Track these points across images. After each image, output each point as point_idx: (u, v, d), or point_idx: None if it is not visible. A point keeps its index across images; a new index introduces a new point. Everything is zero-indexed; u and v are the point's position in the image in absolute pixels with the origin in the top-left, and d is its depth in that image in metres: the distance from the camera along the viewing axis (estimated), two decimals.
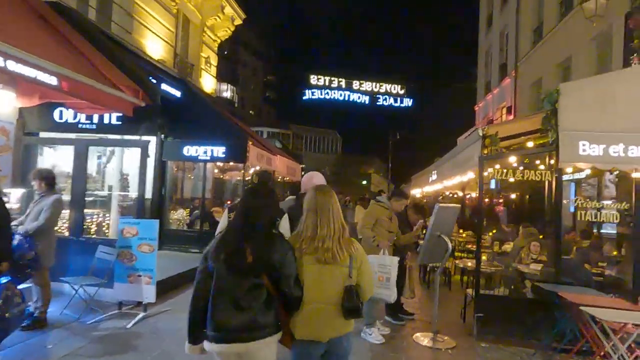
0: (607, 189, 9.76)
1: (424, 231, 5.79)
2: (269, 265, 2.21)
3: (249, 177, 11.95)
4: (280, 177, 15.59)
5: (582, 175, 8.67)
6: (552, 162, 5.81)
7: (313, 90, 20.63)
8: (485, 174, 5.33)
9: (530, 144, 5.71)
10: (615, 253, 7.06)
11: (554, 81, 12.57)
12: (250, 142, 10.41)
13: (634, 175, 4.86)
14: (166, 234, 10.38)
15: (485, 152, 5.37)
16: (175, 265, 7.80)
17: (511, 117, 16.18)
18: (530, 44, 14.66)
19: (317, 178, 3.80)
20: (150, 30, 10.16)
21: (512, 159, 5.48)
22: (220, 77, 57.97)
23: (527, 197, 12.87)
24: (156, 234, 5.51)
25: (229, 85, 59.01)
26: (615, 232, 8.29)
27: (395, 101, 21.15)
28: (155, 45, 10.27)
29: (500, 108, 18.04)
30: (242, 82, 63.85)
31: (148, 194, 10.10)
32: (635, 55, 8.23)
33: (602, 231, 8.74)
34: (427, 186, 11.02)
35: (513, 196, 13.91)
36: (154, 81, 8.33)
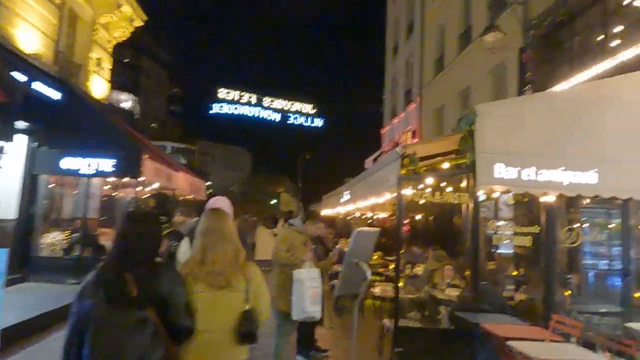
0: (501, 211, 10.35)
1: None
2: (155, 297, 2.03)
3: (146, 196, 10.64)
4: (182, 196, 14.29)
5: (482, 198, 9.06)
6: (464, 185, 5.81)
7: (221, 104, 19.65)
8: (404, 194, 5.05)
9: (446, 165, 5.60)
10: (515, 273, 7.30)
11: (455, 108, 13.34)
12: (146, 156, 9.21)
13: (542, 199, 4.93)
14: (34, 262, 8.66)
15: (404, 172, 5.11)
16: (42, 302, 6.37)
17: (416, 140, 16.89)
18: (433, 73, 15.52)
19: (220, 202, 3.49)
20: (24, 19, 8.57)
21: (430, 180, 5.29)
22: (120, 86, 53.65)
23: (432, 218, 13.31)
24: (2, 267, 4.24)
25: (130, 94, 54.93)
26: (511, 251, 8.71)
27: (306, 120, 21.07)
28: (29, 37, 8.67)
29: (406, 132, 18.82)
30: (145, 92, 59.78)
31: (9, 214, 8.36)
32: (528, 86, 8.88)
33: (499, 251, 9.15)
34: (340, 206, 10.73)
35: (419, 217, 14.32)
36: (21, 76, 6.87)
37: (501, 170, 4.67)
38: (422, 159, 5.26)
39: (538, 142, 4.79)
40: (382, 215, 14.62)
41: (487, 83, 11.34)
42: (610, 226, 5.76)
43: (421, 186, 5.00)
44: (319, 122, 21.25)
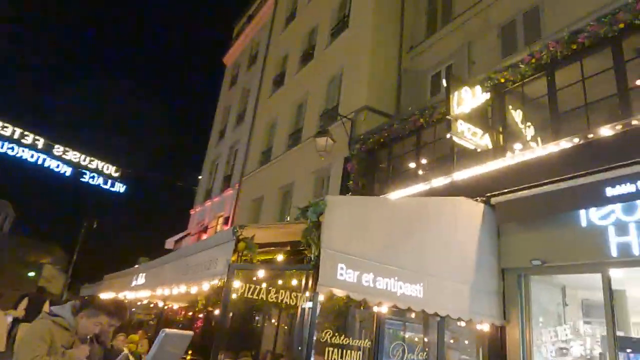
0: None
1: None
2: None
3: None
4: None
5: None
6: (295, 283, 5.13)
7: None
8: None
9: (280, 258, 4.86)
10: None
11: (275, 201, 13.26)
12: None
13: (376, 309, 4.60)
14: None
15: (234, 258, 4.14)
16: None
17: (227, 227, 16.02)
18: (258, 163, 15.52)
19: None
20: None
21: (261, 273, 4.42)
22: None
23: (231, 315, 12.03)
24: None
25: None
26: None
27: (105, 182, 17.97)
28: None
29: (218, 217, 17.83)
30: None
31: None
32: (349, 194, 9.33)
33: None
34: (128, 291, 8.61)
35: (216, 312, 12.83)
36: None
37: (343, 272, 4.21)
38: (258, 245, 4.44)
39: (378, 246, 4.57)
40: (176, 305, 12.61)
41: (310, 182, 11.69)
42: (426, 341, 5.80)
43: (255, 278, 4.08)
44: (120, 187, 18.38)
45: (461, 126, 6.48)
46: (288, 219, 11.64)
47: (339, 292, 4.11)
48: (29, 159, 16.03)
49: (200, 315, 12.87)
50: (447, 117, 6.51)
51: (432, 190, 7.22)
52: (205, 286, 4.52)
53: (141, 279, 7.45)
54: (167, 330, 3.17)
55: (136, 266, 14.79)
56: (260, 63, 18.17)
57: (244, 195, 15.75)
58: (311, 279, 4.06)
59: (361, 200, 5.24)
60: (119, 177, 18.60)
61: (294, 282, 4.89)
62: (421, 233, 5.13)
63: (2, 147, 15.41)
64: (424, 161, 8.21)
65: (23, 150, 15.90)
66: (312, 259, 4.06)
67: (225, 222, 16.09)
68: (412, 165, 8.39)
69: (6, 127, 15.61)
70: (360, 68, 11.35)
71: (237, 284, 4.04)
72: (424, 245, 5.08)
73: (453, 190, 6.58)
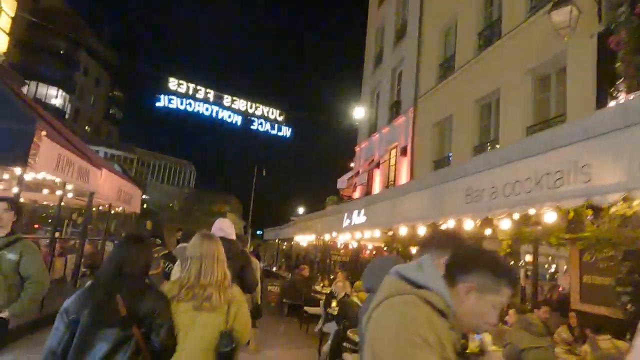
0: None
1: None
2: (140, 316, 2.15)
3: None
4: (103, 205, 10.46)
5: None
6: None
7: (171, 97, 15.91)
8: None
9: None
10: None
11: (470, 119, 10.88)
12: (43, 133, 5.61)
13: None
14: None
15: None
16: None
17: (405, 158, 14.33)
18: (435, 80, 13.12)
19: (225, 225, 4.00)
20: None
21: None
22: (49, 79, 47.27)
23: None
24: None
25: (61, 90, 48.69)
26: None
27: (272, 127, 17.79)
28: None
29: (390, 149, 16.25)
30: (81, 91, 53.49)
31: None
32: (618, 82, 6.46)
33: None
34: (337, 232, 7.57)
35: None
36: None
37: None
38: None
39: None
40: (370, 245, 11.64)
41: (526, 84, 8.95)
42: None
43: None
44: (287, 131, 18.07)
45: None
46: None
47: None
48: (204, 113, 16.57)
49: None
50: None
51: None
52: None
53: (360, 217, 6.16)
54: None
55: (328, 208, 14.29)
56: None
57: (421, 119, 13.68)
58: None
59: None
60: (283, 121, 18.27)
61: None
62: None
63: (181, 104, 16.14)
64: None
65: (198, 105, 16.46)
66: None
67: (403, 152, 14.37)
68: None
69: (181, 84, 16.22)
70: None
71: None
72: None
73: None
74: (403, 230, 4.94)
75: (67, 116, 49.61)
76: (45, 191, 9.23)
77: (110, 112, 62.27)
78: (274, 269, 17.64)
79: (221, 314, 2.31)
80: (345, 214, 6.88)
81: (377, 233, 5.88)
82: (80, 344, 2.03)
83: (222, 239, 2.86)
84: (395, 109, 16.38)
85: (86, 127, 55.48)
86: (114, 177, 9.80)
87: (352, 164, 23.69)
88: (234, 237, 4.02)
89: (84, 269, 9.33)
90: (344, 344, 5.37)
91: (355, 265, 10.88)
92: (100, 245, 11.21)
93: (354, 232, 6.51)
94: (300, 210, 42.07)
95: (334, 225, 7.45)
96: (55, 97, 47.50)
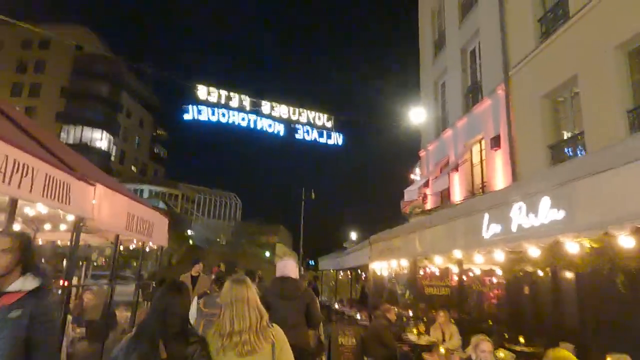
0: None
1: None
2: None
3: None
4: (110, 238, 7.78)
5: None
6: None
7: (200, 107, 13.51)
8: None
9: None
10: None
11: (614, 73, 7.43)
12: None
13: None
14: None
15: None
16: None
17: (499, 150, 10.91)
18: (535, 41, 9.80)
19: (289, 265, 4.23)
20: None
21: None
22: (92, 122, 47.50)
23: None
24: None
25: (105, 132, 48.91)
26: None
27: (320, 135, 14.91)
28: None
29: (470, 144, 12.86)
30: (125, 132, 53.91)
31: None
32: None
33: None
34: (470, 248, 4.33)
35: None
36: None
37: None
38: None
39: None
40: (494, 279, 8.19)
41: None
42: None
43: None
44: (337, 138, 15.10)
45: None
46: None
47: None
48: (241, 123, 14.00)
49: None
50: None
51: None
52: None
53: (543, 211, 2.95)
54: None
55: (412, 220, 11.05)
56: None
57: (520, 95, 10.30)
58: None
59: None
60: (332, 126, 15.37)
61: None
62: None
63: (213, 114, 13.68)
64: None
65: (233, 114, 13.93)
66: None
67: (495, 143, 10.95)
68: None
69: (212, 91, 13.81)
70: None
71: None
72: None
73: None
74: None
75: (112, 158, 49.79)
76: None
77: (155, 151, 62.62)
78: (336, 305, 14.40)
79: (266, 356, 2.34)
80: (487, 215, 3.68)
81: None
82: None
83: (289, 278, 3.74)
84: (473, 94, 13.07)
85: (132, 167, 55.63)
86: (120, 197, 7.11)
87: (412, 175, 20.39)
88: (297, 275, 4.00)
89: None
90: None
91: (459, 301, 7.49)
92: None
93: (525, 242, 3.26)
94: (353, 235, 38.63)
95: (459, 239, 4.23)
96: (100, 139, 47.80)
